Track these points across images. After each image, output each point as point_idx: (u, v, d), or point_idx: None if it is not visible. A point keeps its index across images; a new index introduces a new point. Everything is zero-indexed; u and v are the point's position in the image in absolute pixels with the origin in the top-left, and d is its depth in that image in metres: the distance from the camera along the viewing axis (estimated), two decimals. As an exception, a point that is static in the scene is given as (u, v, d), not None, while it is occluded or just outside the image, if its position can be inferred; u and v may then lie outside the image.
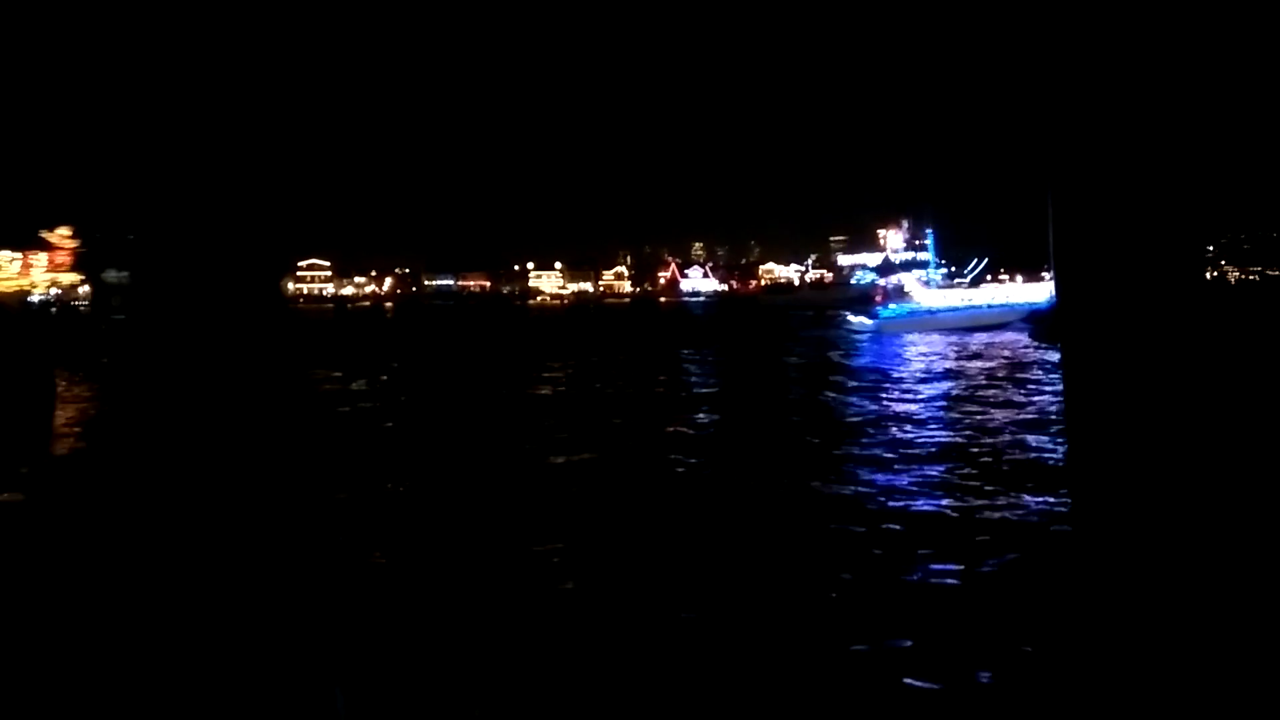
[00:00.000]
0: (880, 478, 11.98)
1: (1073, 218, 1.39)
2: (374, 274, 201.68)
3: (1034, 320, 39.44)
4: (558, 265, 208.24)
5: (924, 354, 32.93)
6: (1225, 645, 1.26)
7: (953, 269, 62.89)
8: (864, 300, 54.87)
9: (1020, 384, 22.74)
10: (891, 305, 49.56)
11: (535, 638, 6.64)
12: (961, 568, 8.12)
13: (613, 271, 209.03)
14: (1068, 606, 6.64)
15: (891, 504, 10.51)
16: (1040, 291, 46.25)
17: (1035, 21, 1.41)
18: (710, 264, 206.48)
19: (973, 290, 54.05)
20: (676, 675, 6.05)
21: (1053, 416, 16.17)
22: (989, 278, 62.83)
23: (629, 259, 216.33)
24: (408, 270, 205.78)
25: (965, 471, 12.39)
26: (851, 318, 51.40)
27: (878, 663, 6.17)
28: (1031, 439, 14.34)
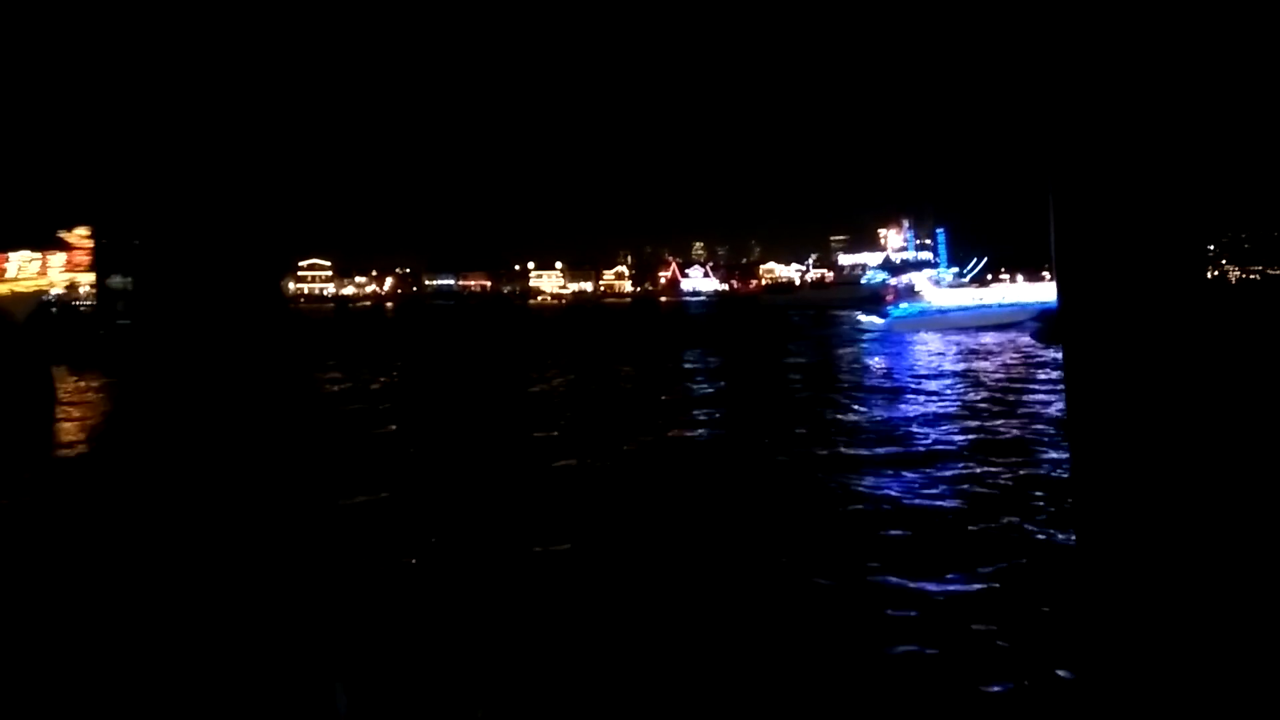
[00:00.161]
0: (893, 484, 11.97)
1: (1073, 217, 1.40)
2: (375, 274, 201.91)
3: (1040, 320, 39.43)
4: (558, 265, 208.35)
5: (919, 355, 32.92)
6: (1229, 649, 1.25)
7: (954, 269, 62.91)
8: (875, 300, 54.92)
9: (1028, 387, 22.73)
10: (902, 304, 49.53)
11: (537, 638, 6.64)
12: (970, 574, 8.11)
13: (613, 271, 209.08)
14: (1070, 611, 6.64)
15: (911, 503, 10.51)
16: (1052, 291, 46.07)
17: (1035, 20, 1.42)
18: (711, 264, 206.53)
19: (984, 289, 54.01)
20: (677, 677, 6.05)
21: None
22: (989, 277, 62.89)
23: (629, 259, 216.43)
24: (408, 270, 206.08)
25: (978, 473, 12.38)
26: (862, 317, 51.42)
27: (881, 668, 6.17)
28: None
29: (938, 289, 52.87)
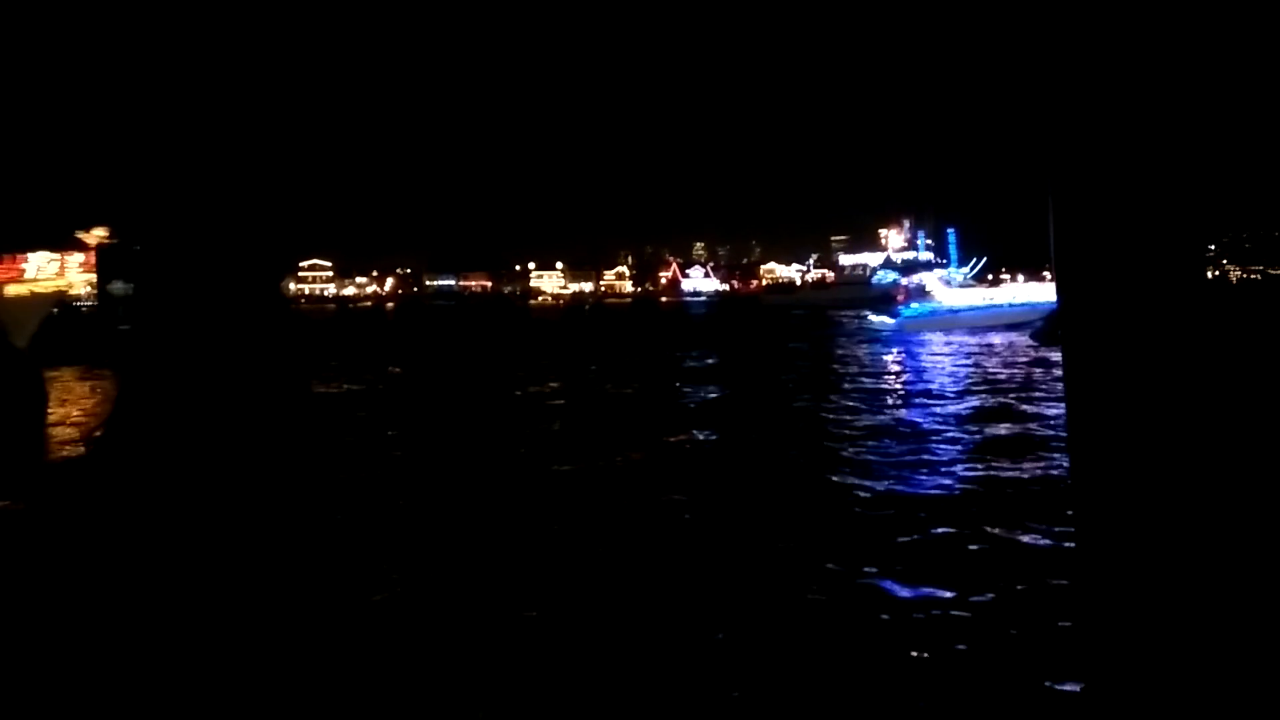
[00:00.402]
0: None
1: (1073, 218, 1.39)
2: (375, 274, 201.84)
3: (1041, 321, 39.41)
4: (559, 265, 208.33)
5: (923, 358, 32.94)
6: (1231, 650, 1.24)
7: (964, 269, 62.96)
8: (886, 300, 54.99)
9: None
10: (913, 304, 49.50)
11: (538, 639, 6.64)
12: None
13: (614, 271, 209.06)
14: (1072, 618, 6.64)
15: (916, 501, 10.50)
16: None
17: (1035, 19, 1.40)
18: (711, 264, 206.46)
19: (994, 289, 53.97)
20: (679, 679, 6.05)
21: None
22: (990, 277, 62.93)
23: (630, 259, 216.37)
24: (409, 270, 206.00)
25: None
26: (873, 317, 51.42)
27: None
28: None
29: (948, 289, 52.81)
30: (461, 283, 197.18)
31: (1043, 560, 8.25)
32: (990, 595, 7.39)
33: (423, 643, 6.50)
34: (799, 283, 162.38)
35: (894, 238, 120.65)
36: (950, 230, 66.78)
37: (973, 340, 38.71)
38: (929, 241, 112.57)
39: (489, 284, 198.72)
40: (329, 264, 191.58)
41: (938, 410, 18.32)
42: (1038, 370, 26.05)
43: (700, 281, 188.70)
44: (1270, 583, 1.24)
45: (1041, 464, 12.45)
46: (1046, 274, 56.20)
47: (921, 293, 51.79)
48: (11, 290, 42.49)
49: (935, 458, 13.52)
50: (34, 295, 42.81)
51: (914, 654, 6.29)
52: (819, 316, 64.12)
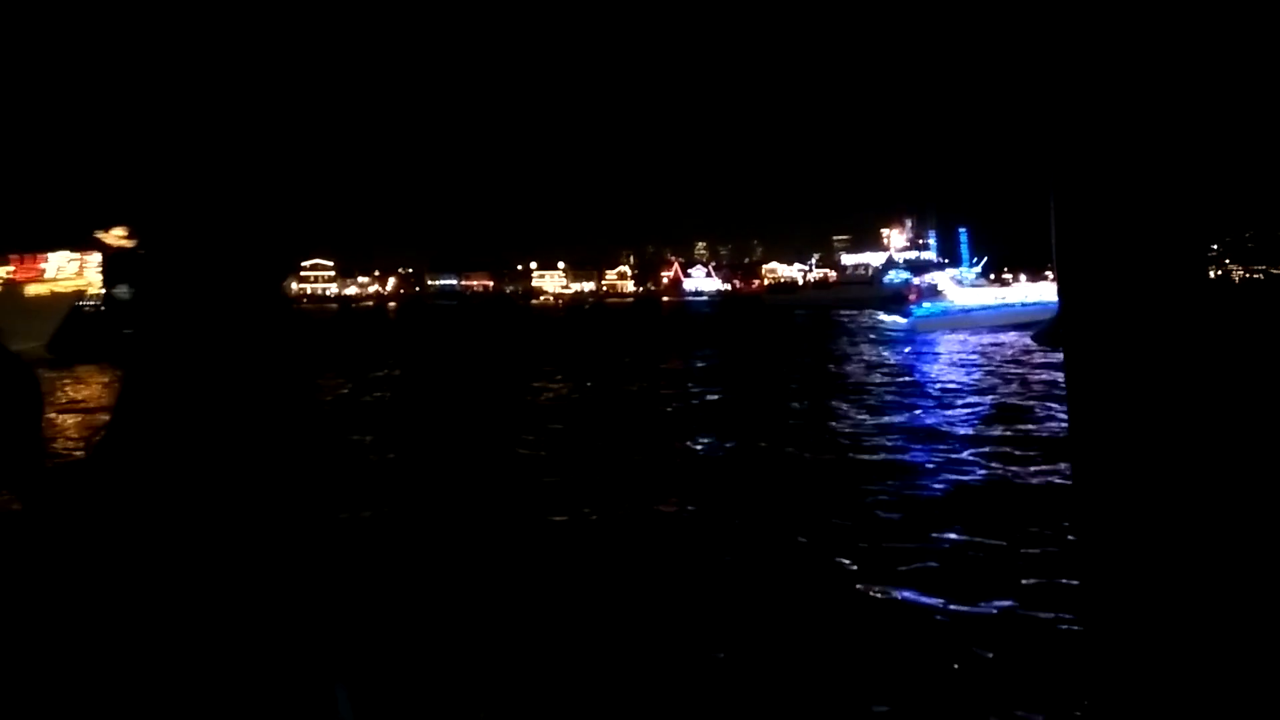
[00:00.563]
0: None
1: (1074, 217, 1.40)
2: (377, 274, 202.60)
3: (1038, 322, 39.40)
4: (561, 265, 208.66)
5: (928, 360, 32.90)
6: (1232, 651, 1.26)
7: (976, 269, 63.23)
8: (898, 299, 55.05)
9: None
10: (925, 304, 49.54)
11: (540, 639, 6.63)
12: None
13: (616, 271, 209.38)
14: (1073, 619, 6.62)
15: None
16: None
17: (1036, 18, 1.43)
18: (713, 263, 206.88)
19: (1006, 289, 54.00)
20: (682, 682, 6.05)
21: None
22: (994, 276, 63.10)
23: (632, 258, 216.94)
24: (411, 270, 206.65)
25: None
26: (885, 316, 51.41)
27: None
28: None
29: (960, 288, 52.86)
30: (463, 282, 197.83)
31: (1054, 567, 8.24)
32: (998, 601, 7.38)
33: (424, 642, 6.50)
34: (801, 282, 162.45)
35: (896, 237, 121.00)
36: (962, 230, 67.09)
37: (985, 340, 38.67)
38: (924, 241, 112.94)
39: (491, 284, 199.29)
40: (331, 263, 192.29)
41: (950, 414, 18.27)
42: (1056, 373, 25.99)
43: (702, 281, 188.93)
44: (1272, 583, 1.26)
45: (1056, 471, 12.42)
46: (1048, 273, 56.25)
47: (933, 292, 51.78)
48: (32, 290, 42.72)
49: (949, 461, 13.51)
50: (54, 295, 43.04)
51: (919, 660, 6.28)
52: (822, 316, 64.19)
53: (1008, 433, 15.64)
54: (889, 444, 15.00)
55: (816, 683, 5.92)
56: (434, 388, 25.42)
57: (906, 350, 34.12)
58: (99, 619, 1.03)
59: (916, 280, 57.87)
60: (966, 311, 47.46)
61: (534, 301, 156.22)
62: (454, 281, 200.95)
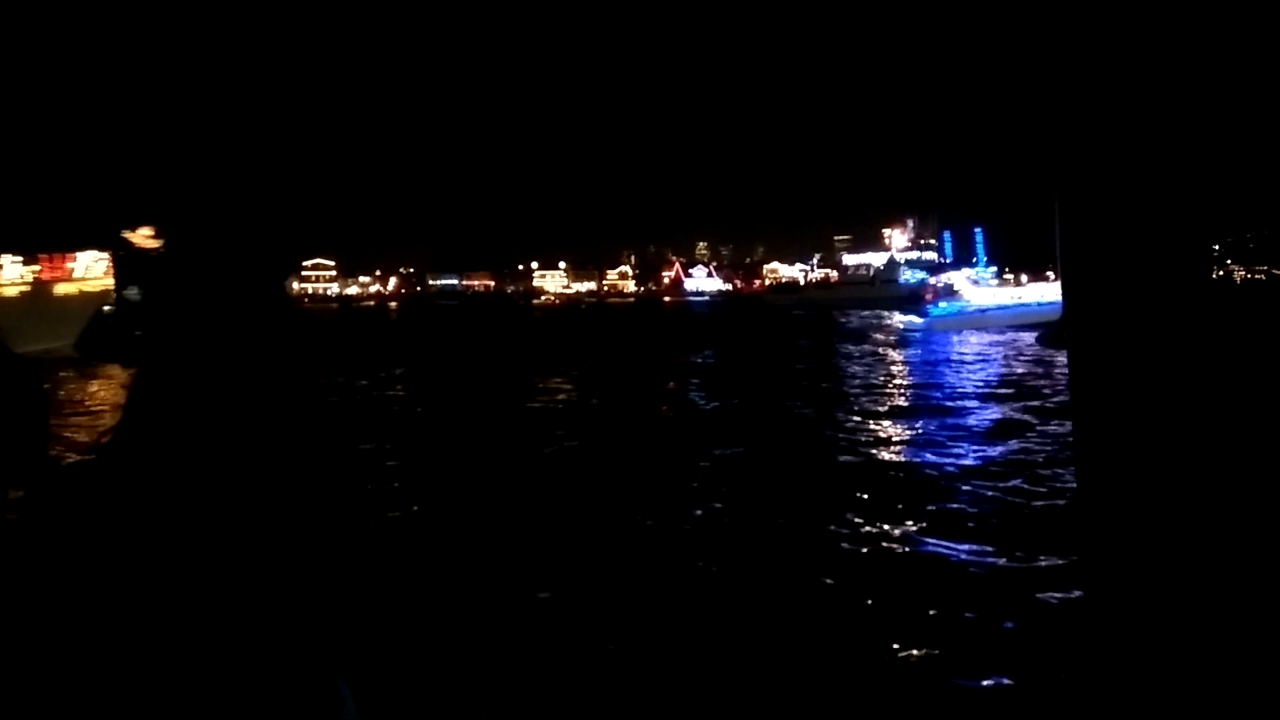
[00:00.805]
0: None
1: (1078, 219, 1.38)
2: (379, 273, 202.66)
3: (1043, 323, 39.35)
4: (562, 265, 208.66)
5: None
6: (1233, 652, 1.24)
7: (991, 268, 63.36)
8: (914, 299, 55.18)
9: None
10: (941, 304, 49.56)
11: (541, 639, 6.64)
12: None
13: (617, 271, 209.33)
14: (1074, 619, 6.63)
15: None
16: None
17: (1039, 18, 1.41)
18: (714, 263, 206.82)
19: (1021, 289, 53.98)
20: (684, 683, 6.04)
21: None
22: (1003, 276, 63.11)
23: (633, 258, 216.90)
24: (412, 270, 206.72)
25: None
26: (901, 316, 51.49)
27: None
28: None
29: (976, 288, 52.87)
30: (465, 282, 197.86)
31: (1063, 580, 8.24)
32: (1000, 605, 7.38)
33: (424, 642, 6.51)
34: (803, 282, 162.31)
35: (897, 237, 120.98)
36: (978, 230, 67.16)
37: (1000, 339, 38.54)
38: (925, 241, 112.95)
39: (492, 283, 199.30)
40: (332, 263, 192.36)
41: (962, 422, 18.23)
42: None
43: (703, 281, 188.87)
44: (1273, 584, 1.24)
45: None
46: (1050, 274, 56.26)
47: (950, 292, 51.82)
48: (61, 289, 42.84)
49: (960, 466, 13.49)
50: (82, 294, 43.20)
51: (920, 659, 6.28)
52: (824, 316, 64.15)
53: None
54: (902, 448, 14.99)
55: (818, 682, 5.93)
56: (437, 388, 25.41)
57: (906, 355, 34.09)
58: (104, 617, 1.03)
59: (933, 280, 57.95)
60: (983, 311, 47.41)
61: (535, 301, 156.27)
62: (455, 281, 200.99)
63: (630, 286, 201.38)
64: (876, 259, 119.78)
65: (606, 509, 10.60)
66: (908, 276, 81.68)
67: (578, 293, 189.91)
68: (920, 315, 49.29)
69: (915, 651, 6.24)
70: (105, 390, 24.30)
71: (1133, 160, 1.34)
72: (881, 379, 25.42)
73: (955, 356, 31.67)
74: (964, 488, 11.31)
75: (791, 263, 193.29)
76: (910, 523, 9.67)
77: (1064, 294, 1.44)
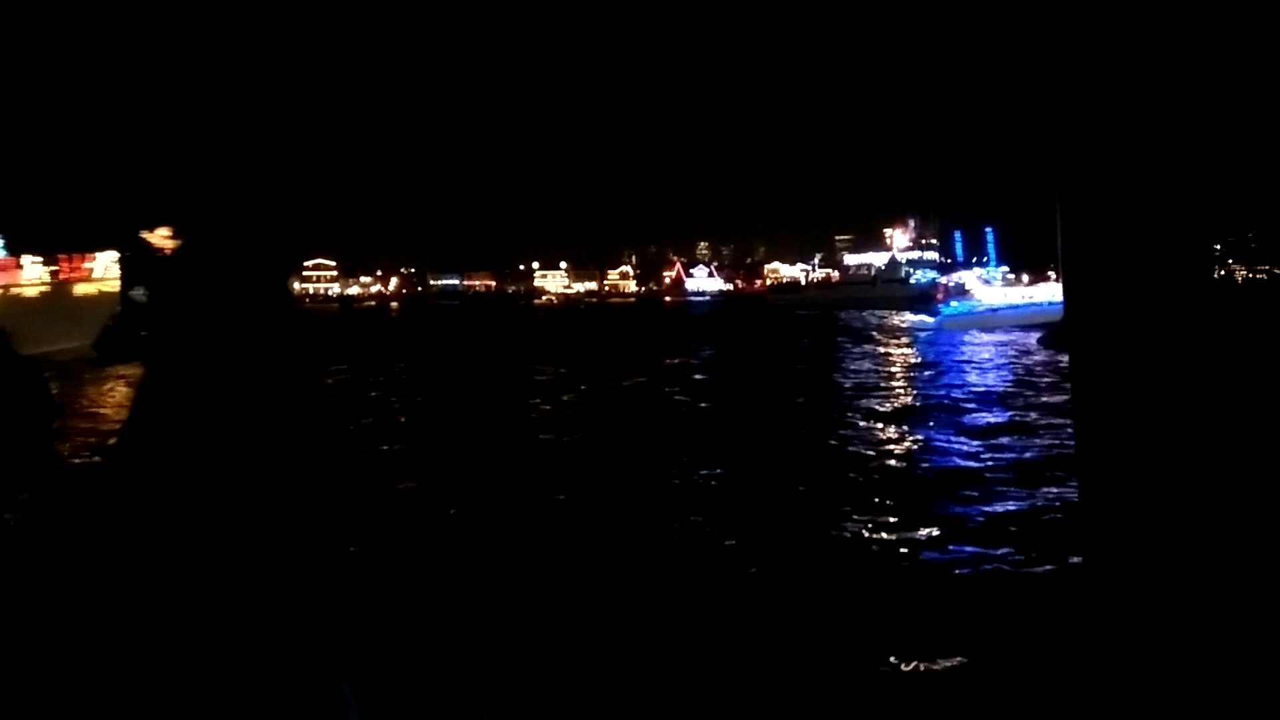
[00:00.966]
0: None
1: (1080, 219, 1.37)
2: (379, 273, 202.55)
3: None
4: (563, 264, 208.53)
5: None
6: (1234, 652, 1.24)
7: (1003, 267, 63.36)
8: (925, 299, 55.21)
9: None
10: (953, 303, 49.54)
11: (543, 639, 6.64)
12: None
13: (618, 271, 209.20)
14: (1075, 618, 6.62)
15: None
16: None
17: (1040, 18, 1.40)
18: (715, 263, 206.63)
19: (1032, 288, 53.96)
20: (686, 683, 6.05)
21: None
22: (1012, 276, 63.02)
23: (634, 258, 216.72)
24: (413, 270, 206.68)
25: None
26: (912, 316, 51.47)
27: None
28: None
29: (988, 287, 52.84)
30: (466, 282, 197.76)
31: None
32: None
33: (427, 643, 6.51)
34: (804, 282, 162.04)
35: (899, 237, 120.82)
36: (988, 230, 67.20)
37: (1011, 338, 38.37)
38: (927, 241, 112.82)
39: (493, 283, 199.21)
40: (333, 263, 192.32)
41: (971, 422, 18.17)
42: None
43: (704, 281, 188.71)
44: (1271, 579, 1.24)
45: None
46: (1051, 274, 56.23)
47: (961, 291, 51.80)
48: (80, 290, 42.93)
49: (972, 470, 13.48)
50: (101, 294, 43.31)
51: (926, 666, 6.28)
52: (827, 316, 64.11)
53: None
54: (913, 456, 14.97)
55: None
56: (440, 389, 25.39)
57: (913, 357, 33.98)
58: (107, 619, 1.03)
59: (943, 279, 57.95)
60: (994, 310, 47.32)
61: (536, 301, 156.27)
62: (456, 281, 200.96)
63: (631, 286, 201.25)
64: (878, 259, 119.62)
65: (601, 521, 10.58)
66: (918, 276, 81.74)
67: (577, 293, 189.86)
68: (931, 314, 49.26)
69: (934, 664, 6.24)
70: (120, 390, 24.32)
71: (1134, 161, 1.33)
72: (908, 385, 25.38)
73: (969, 357, 31.61)
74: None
75: (793, 262, 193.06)
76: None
77: (1065, 294, 1.43)
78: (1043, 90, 1.41)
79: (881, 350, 36.44)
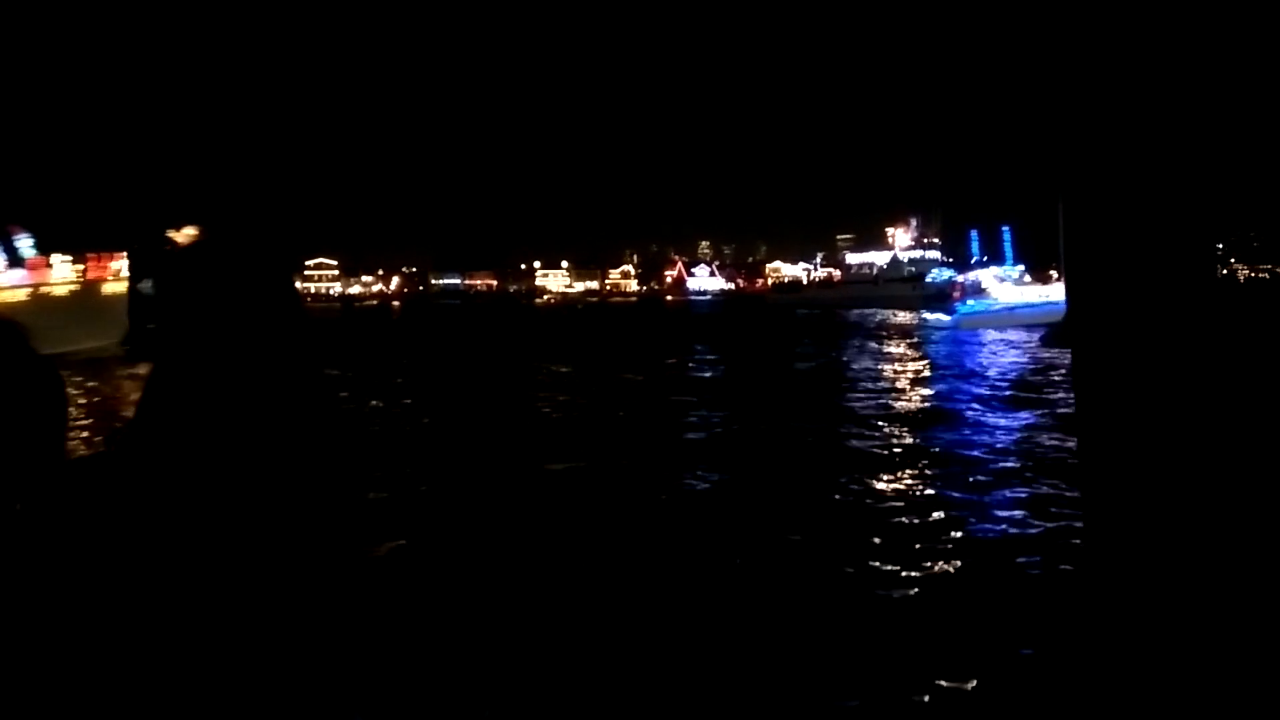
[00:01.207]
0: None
1: (1083, 218, 1.37)
2: (381, 273, 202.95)
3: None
4: (564, 264, 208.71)
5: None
6: (1234, 652, 1.24)
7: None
8: (940, 297, 55.34)
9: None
10: (969, 301, 49.57)
11: (544, 640, 6.64)
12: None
13: (619, 270, 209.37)
14: (1077, 618, 6.62)
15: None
16: None
17: (1042, 19, 1.41)
18: (717, 262, 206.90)
19: (1048, 287, 54.07)
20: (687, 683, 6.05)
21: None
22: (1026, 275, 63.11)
23: (635, 257, 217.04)
24: (415, 269, 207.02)
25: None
26: (928, 314, 51.53)
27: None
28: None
29: (1004, 286, 52.89)
30: (467, 281, 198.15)
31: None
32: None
33: (428, 643, 6.52)
34: (806, 281, 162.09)
35: (901, 236, 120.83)
36: (1004, 228, 67.32)
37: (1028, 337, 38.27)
38: (929, 241, 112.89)
39: (495, 283, 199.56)
40: (334, 263, 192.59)
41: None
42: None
43: (706, 280, 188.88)
44: (1274, 583, 1.24)
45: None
46: (1053, 273, 56.30)
47: (977, 290, 51.81)
48: (108, 288, 43.16)
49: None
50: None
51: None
52: (829, 316, 64.15)
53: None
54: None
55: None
56: (443, 390, 25.40)
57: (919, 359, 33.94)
58: (110, 617, 1.03)
59: (960, 278, 58.02)
60: (1010, 309, 47.27)
61: (536, 301, 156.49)
62: (458, 281, 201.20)
63: (633, 285, 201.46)
64: (880, 258, 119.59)
65: (598, 531, 10.58)
66: (934, 274, 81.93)
67: (578, 292, 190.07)
68: (948, 313, 49.25)
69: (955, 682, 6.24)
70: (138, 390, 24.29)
71: (1136, 160, 1.33)
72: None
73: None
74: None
75: (794, 262, 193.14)
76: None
77: (1068, 293, 1.43)
78: (1046, 90, 1.41)
79: (899, 351, 36.34)
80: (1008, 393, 20.63)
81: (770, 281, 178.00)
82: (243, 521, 1.12)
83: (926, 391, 22.10)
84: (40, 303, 38.78)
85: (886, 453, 13.95)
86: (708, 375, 26.71)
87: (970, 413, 17.81)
